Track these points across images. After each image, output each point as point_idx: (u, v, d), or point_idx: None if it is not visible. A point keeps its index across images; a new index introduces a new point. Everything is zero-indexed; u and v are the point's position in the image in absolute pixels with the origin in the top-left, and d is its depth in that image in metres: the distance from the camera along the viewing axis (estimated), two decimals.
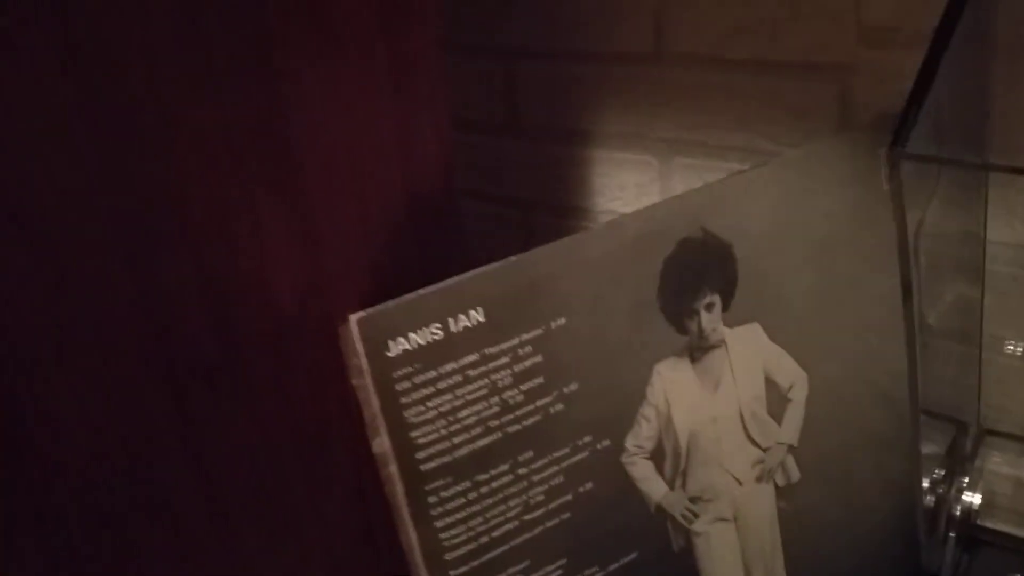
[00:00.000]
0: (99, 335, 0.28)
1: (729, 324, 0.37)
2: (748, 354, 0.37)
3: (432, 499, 0.32)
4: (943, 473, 0.38)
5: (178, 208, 0.30)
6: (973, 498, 0.39)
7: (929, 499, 0.38)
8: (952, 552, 0.39)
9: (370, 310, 0.30)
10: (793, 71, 0.44)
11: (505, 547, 0.33)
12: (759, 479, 0.38)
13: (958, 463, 0.39)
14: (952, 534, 0.38)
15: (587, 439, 0.34)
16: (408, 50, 0.35)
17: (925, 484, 0.38)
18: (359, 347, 0.30)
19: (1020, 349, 0.41)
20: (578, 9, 0.48)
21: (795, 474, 0.39)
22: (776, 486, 0.39)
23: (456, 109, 0.40)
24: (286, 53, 0.31)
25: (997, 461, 0.42)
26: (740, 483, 0.38)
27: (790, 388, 0.39)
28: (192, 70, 0.29)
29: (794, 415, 0.39)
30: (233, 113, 0.30)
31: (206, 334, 0.31)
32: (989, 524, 0.43)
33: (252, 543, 0.34)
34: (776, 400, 0.38)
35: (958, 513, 0.38)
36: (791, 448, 0.39)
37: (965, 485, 0.39)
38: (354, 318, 0.30)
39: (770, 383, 0.38)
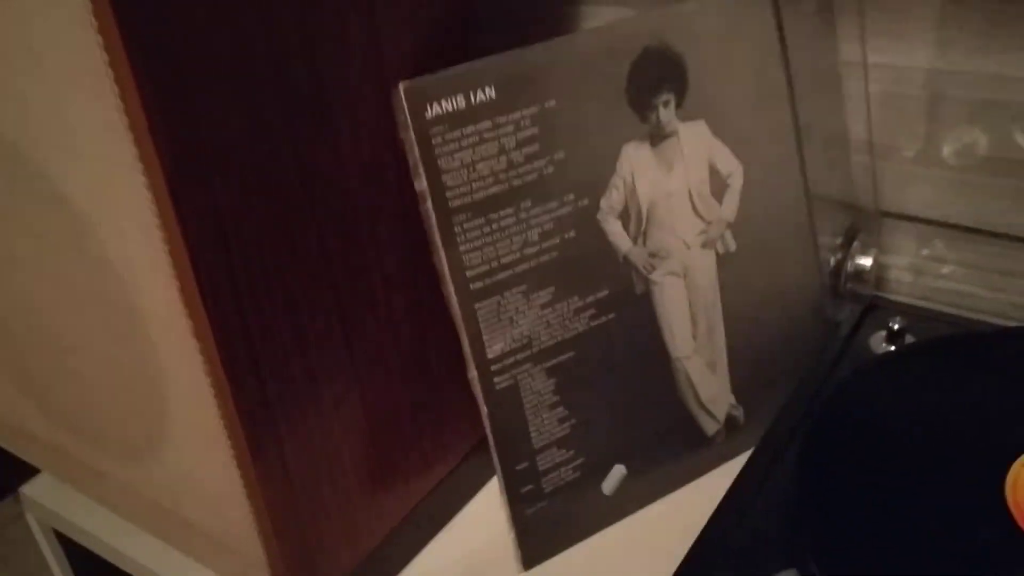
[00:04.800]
0: None
1: (681, 119, 0.48)
2: (695, 144, 0.49)
3: (457, 229, 0.43)
4: (841, 242, 0.49)
5: None
6: (865, 261, 0.51)
7: (832, 264, 0.49)
8: (848, 307, 0.51)
9: (414, 80, 0.41)
10: None
11: (510, 272, 0.45)
12: (703, 245, 0.50)
13: (856, 236, 0.50)
14: (849, 286, 0.50)
15: (571, 197, 0.45)
16: None
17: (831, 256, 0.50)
18: (405, 107, 0.41)
19: (910, 154, 0.52)
20: None
21: (732, 245, 0.51)
22: (717, 253, 0.51)
23: None
24: None
25: (895, 239, 0.54)
26: (688, 247, 0.49)
27: (729, 176, 0.50)
28: None
29: (731, 198, 0.50)
30: None
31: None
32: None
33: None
34: (718, 185, 0.50)
35: (852, 273, 0.50)
36: (729, 224, 0.50)
37: (859, 252, 0.50)
38: (402, 86, 0.41)
39: (713, 170, 0.49)
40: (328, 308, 0.43)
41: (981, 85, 0.50)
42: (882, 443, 0.42)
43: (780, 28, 0.47)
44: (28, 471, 0.61)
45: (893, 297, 0.56)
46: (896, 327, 0.49)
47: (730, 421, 0.53)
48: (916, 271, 0.56)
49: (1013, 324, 0.52)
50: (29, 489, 0.62)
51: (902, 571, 0.37)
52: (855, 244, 0.51)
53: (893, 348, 0.49)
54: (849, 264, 0.50)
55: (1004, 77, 0.49)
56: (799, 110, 0.51)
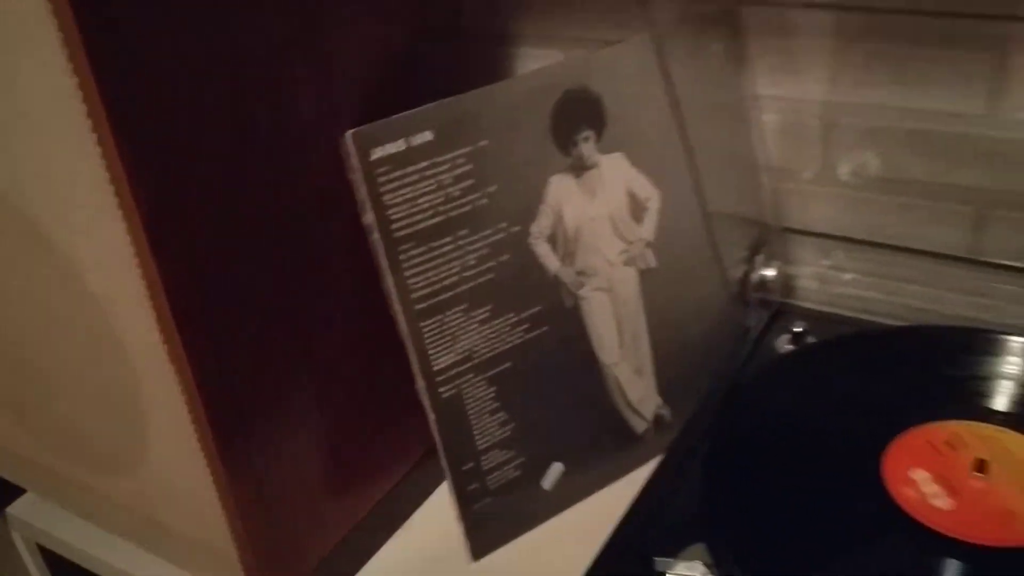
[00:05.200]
0: None
1: (601, 152, 0.54)
2: (614, 174, 0.54)
3: (402, 257, 0.48)
4: (747, 256, 0.56)
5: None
6: (770, 272, 0.57)
7: (740, 275, 0.56)
8: (755, 314, 0.57)
9: (360, 128, 0.46)
10: None
11: (451, 293, 0.50)
12: (626, 263, 0.56)
13: (760, 249, 0.57)
14: (756, 295, 0.56)
15: (504, 224, 0.51)
16: None
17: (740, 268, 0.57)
18: (353, 151, 0.46)
19: (809, 175, 0.59)
20: None
21: (652, 262, 0.57)
22: (639, 270, 0.56)
23: None
24: None
25: (801, 252, 0.61)
26: (612, 264, 0.55)
27: (647, 200, 0.56)
28: None
29: (650, 220, 0.56)
30: None
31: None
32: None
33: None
34: (637, 208, 0.56)
35: (757, 283, 0.56)
36: (648, 243, 0.56)
37: (763, 264, 0.57)
38: (350, 133, 0.46)
39: (632, 196, 0.55)
40: (291, 330, 0.49)
41: (868, 114, 0.57)
42: (779, 432, 0.48)
43: (665, 73, 0.52)
44: (13, 492, 0.66)
45: (802, 304, 0.63)
46: (798, 330, 0.55)
47: (658, 420, 0.59)
48: (821, 280, 0.62)
49: (902, 324, 0.58)
50: (15, 509, 0.66)
51: (797, 541, 0.43)
52: (759, 257, 0.57)
53: (793, 348, 0.55)
54: (754, 275, 0.56)
55: (886, 107, 0.56)
56: (713, 138, 0.57)
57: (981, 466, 0.43)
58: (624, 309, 0.56)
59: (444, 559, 0.55)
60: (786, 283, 0.61)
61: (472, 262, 0.51)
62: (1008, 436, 0.45)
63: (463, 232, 0.50)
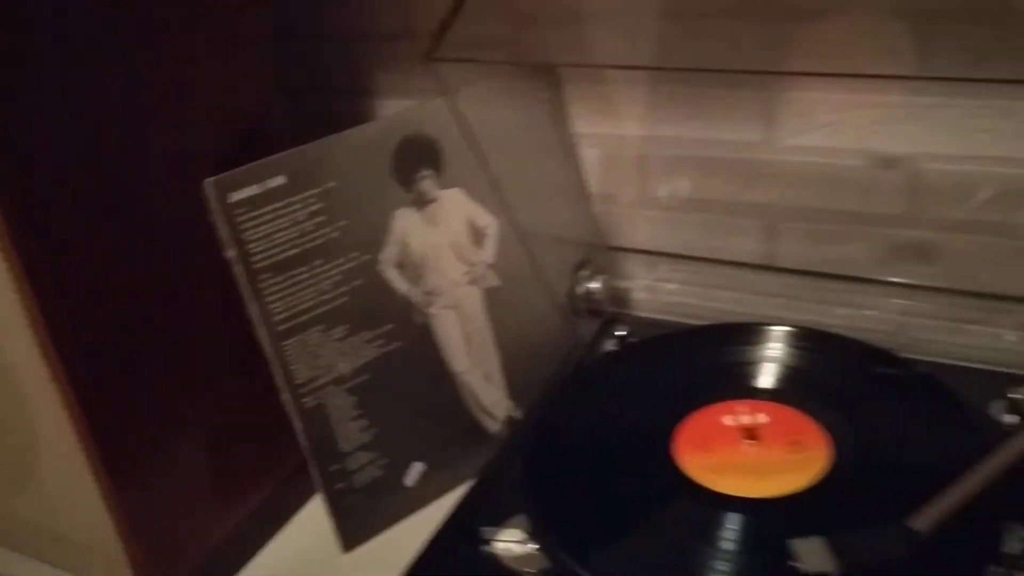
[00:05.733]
0: None
1: (441, 187, 0.62)
2: (454, 206, 0.63)
3: (262, 285, 0.56)
4: (574, 271, 0.64)
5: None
6: (595, 285, 0.65)
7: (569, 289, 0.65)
8: (588, 323, 0.66)
9: (218, 176, 0.54)
10: None
11: (308, 315, 0.57)
12: (470, 283, 0.64)
13: (585, 266, 0.65)
14: (585, 305, 0.65)
15: (355, 254, 0.59)
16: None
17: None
18: (212, 196, 0.54)
19: (629, 200, 0.68)
20: None
21: (495, 281, 0.65)
22: (483, 289, 0.64)
23: None
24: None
25: (630, 267, 0.70)
26: (457, 285, 0.63)
27: (486, 227, 0.64)
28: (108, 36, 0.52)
29: (490, 245, 0.64)
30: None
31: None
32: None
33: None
34: (477, 235, 0.64)
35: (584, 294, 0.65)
36: (490, 265, 0.64)
37: (588, 278, 0.65)
38: (208, 181, 0.53)
39: (472, 224, 0.63)
40: (167, 349, 0.55)
41: (673, 146, 0.66)
42: (590, 419, 0.56)
43: (460, 117, 0.60)
44: None
45: (637, 313, 0.71)
46: (621, 334, 0.64)
47: (510, 421, 0.66)
48: (650, 291, 0.71)
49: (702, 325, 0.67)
50: None
51: (601, 509, 0.50)
52: (584, 272, 0.65)
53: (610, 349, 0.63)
54: (580, 288, 0.65)
55: (687, 139, 0.65)
56: (544, 171, 0.66)
57: (751, 433, 0.52)
58: (471, 324, 0.64)
59: (322, 552, 0.61)
60: (620, 295, 0.70)
61: (327, 287, 0.58)
62: (774, 407, 0.54)
63: (318, 262, 0.58)
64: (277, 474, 0.64)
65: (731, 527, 0.47)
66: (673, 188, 0.67)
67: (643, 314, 0.71)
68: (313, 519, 0.64)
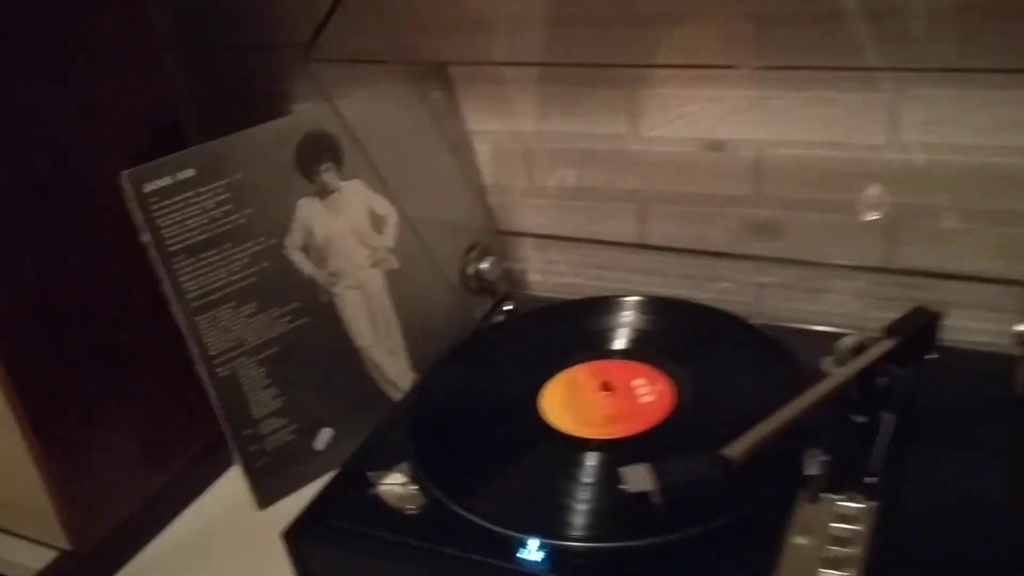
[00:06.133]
0: None
1: (342, 179, 0.69)
2: (354, 196, 0.69)
3: (176, 267, 0.62)
4: (465, 254, 0.72)
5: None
6: (485, 265, 0.72)
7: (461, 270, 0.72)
8: (483, 300, 0.73)
9: (132, 169, 0.60)
10: None
11: (220, 294, 0.64)
12: (372, 265, 0.71)
13: (475, 248, 0.73)
14: (477, 284, 0.72)
15: (262, 238, 0.66)
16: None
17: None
18: (128, 187, 0.60)
19: (520, 189, 0.75)
20: None
21: (395, 264, 0.72)
22: (384, 271, 0.71)
23: None
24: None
25: (524, 250, 0.77)
26: (360, 267, 0.70)
27: (385, 215, 0.71)
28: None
29: (390, 231, 0.71)
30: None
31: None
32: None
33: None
34: (378, 222, 0.71)
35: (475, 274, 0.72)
36: (390, 249, 0.71)
37: (478, 260, 0.73)
38: (124, 173, 0.60)
39: (373, 212, 0.70)
40: (95, 332, 0.62)
41: (553, 140, 0.73)
42: (469, 380, 0.63)
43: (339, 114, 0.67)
44: None
45: (534, 292, 0.78)
46: (508, 308, 0.71)
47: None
48: (543, 272, 0.78)
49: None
50: None
51: (475, 456, 0.57)
52: (473, 254, 0.72)
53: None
54: (471, 268, 0.72)
55: (564, 133, 0.73)
56: (439, 164, 0.73)
57: (606, 386, 0.59)
58: (374, 302, 0.71)
59: (241, 509, 0.68)
60: (517, 276, 0.77)
61: (237, 269, 0.65)
62: (625, 364, 0.61)
63: (227, 245, 0.64)
64: (201, 440, 0.71)
65: (588, 464, 0.54)
66: (558, 178, 0.75)
67: (538, 293, 0.78)
68: (234, 482, 0.71)
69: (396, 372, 0.72)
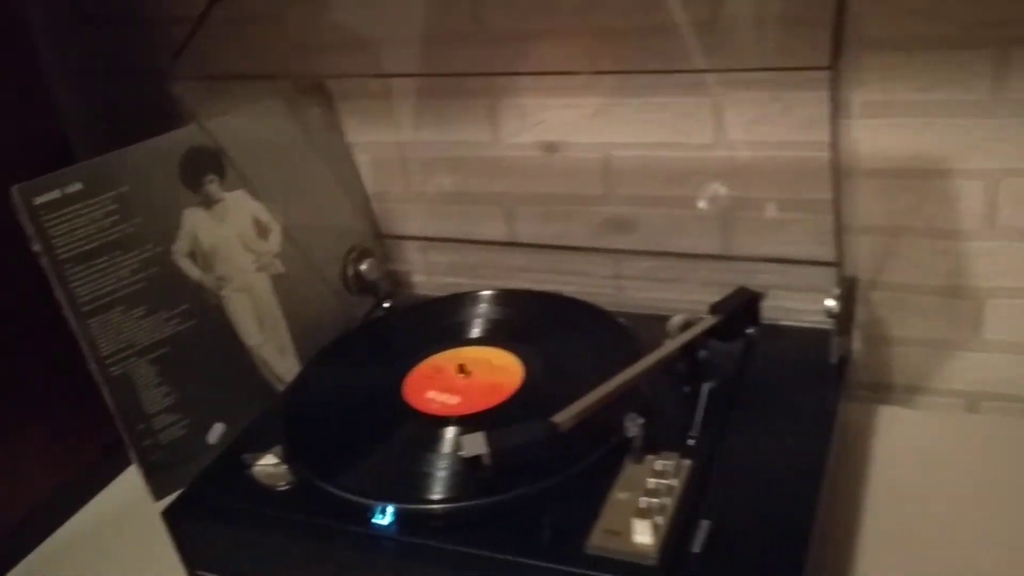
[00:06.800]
0: None
1: (226, 190, 0.74)
2: (239, 205, 0.75)
3: (67, 273, 0.67)
4: (346, 256, 0.77)
5: None
6: (364, 267, 0.78)
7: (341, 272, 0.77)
8: (365, 301, 0.79)
9: (23, 184, 0.65)
10: None
11: (110, 298, 0.69)
12: (258, 270, 0.76)
13: (353, 251, 0.78)
14: (358, 285, 0.78)
15: (150, 246, 0.71)
16: None
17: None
18: (18, 201, 0.65)
19: (399, 195, 0.81)
20: None
21: (281, 268, 0.77)
22: (271, 275, 0.77)
23: None
24: None
25: (408, 253, 0.82)
26: (246, 272, 0.75)
27: (269, 223, 0.76)
28: None
29: (274, 238, 0.77)
30: None
31: None
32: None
33: None
34: (263, 230, 0.76)
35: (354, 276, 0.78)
36: (276, 254, 0.77)
37: (357, 262, 0.78)
38: (15, 187, 0.65)
39: (257, 220, 0.76)
40: None
41: (426, 149, 0.79)
42: (341, 371, 0.69)
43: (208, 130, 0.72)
44: None
45: (419, 292, 0.84)
46: (387, 305, 0.77)
47: None
48: (426, 272, 0.84)
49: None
50: None
51: (344, 440, 0.62)
52: (352, 256, 0.78)
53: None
54: (351, 270, 0.78)
55: (436, 142, 0.79)
56: (321, 174, 0.78)
57: (462, 368, 0.65)
58: (262, 304, 0.76)
59: (141, 503, 0.72)
60: (402, 277, 0.83)
61: (126, 274, 0.70)
62: (482, 350, 0.67)
63: (117, 253, 0.69)
64: (102, 439, 0.75)
65: (436, 437, 0.60)
66: (434, 184, 0.81)
67: (421, 292, 0.84)
68: (134, 477, 0.75)
69: (285, 369, 0.78)
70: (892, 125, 0.65)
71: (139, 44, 0.86)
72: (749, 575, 0.50)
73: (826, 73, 0.44)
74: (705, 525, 0.52)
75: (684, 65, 0.67)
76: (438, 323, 0.72)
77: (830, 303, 0.63)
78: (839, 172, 0.49)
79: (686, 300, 0.73)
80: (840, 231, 0.54)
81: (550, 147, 0.72)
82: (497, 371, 0.65)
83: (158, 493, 0.72)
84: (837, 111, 0.46)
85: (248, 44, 0.70)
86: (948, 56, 0.61)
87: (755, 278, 0.70)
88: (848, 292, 0.64)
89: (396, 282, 0.83)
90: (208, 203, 0.73)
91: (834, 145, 0.48)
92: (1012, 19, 0.59)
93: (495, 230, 0.80)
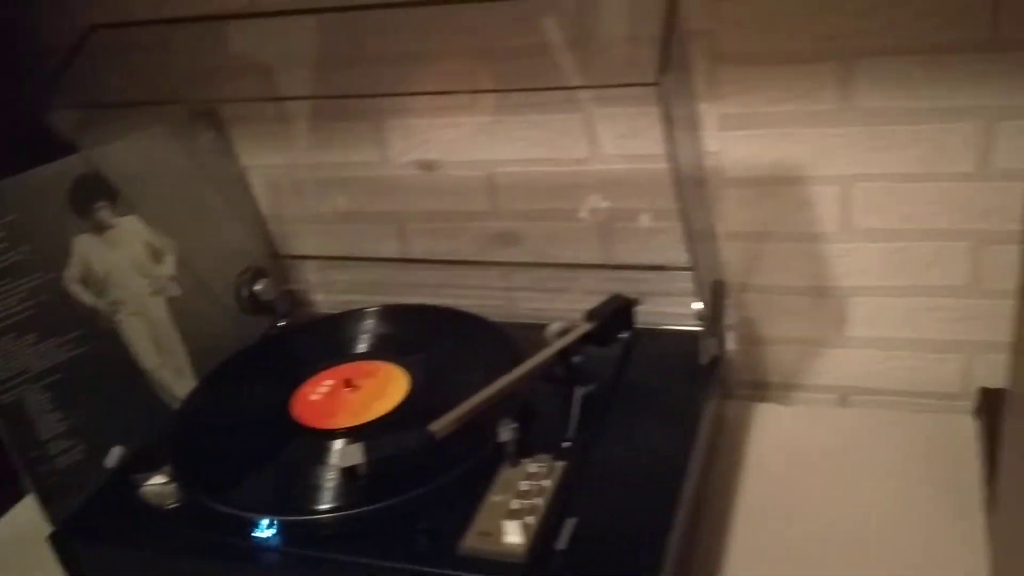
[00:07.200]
0: None
1: (118, 215, 0.75)
2: (131, 231, 0.76)
3: None
4: (240, 276, 0.79)
5: None
6: (259, 287, 0.80)
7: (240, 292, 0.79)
8: (262, 320, 0.80)
9: None
10: None
11: (0, 325, 0.70)
12: (153, 293, 0.77)
13: (248, 272, 0.80)
14: (253, 305, 0.79)
15: (39, 274, 0.71)
16: None
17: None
18: None
19: (294, 215, 0.82)
20: None
21: (177, 291, 0.78)
22: (166, 297, 0.78)
23: None
24: None
25: (306, 272, 0.84)
26: (140, 295, 0.76)
27: (164, 247, 0.78)
28: None
29: (169, 261, 0.78)
30: None
31: None
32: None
33: None
34: (157, 254, 0.77)
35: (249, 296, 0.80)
36: (172, 277, 0.78)
37: (252, 282, 0.80)
38: None
39: (150, 245, 0.77)
40: None
41: (322, 169, 0.81)
42: (231, 389, 0.70)
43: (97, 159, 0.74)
44: None
45: (320, 310, 0.86)
46: (282, 324, 0.78)
47: None
48: (325, 290, 0.85)
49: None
50: None
51: (231, 453, 0.64)
52: (246, 276, 0.79)
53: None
54: (245, 291, 0.79)
55: (325, 163, 0.80)
56: (213, 198, 0.80)
57: (349, 383, 0.67)
58: (158, 327, 0.77)
59: (38, 529, 0.73)
60: (301, 297, 0.85)
61: (15, 302, 0.70)
62: (368, 364, 0.69)
63: (5, 281, 0.70)
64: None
65: (316, 450, 0.61)
66: (328, 204, 0.83)
67: (321, 310, 0.86)
68: (32, 507, 0.76)
69: (183, 390, 0.78)
70: (751, 136, 0.68)
71: (16, 75, 0.87)
72: (610, 568, 0.52)
73: (654, 89, 0.47)
74: (571, 523, 0.54)
75: (558, 81, 0.69)
76: (328, 340, 0.74)
77: (697, 306, 0.67)
78: (681, 182, 0.52)
79: (572, 309, 0.76)
80: (692, 237, 0.57)
81: (429, 165, 0.75)
82: (383, 383, 0.67)
83: (56, 520, 0.73)
84: (669, 124, 0.49)
85: (135, 71, 0.71)
86: (797, 70, 0.65)
87: (636, 285, 0.73)
88: (715, 295, 0.67)
89: (296, 301, 0.84)
90: (100, 229, 0.74)
91: (672, 156, 0.51)
92: (850, 32, 0.63)
93: (389, 247, 0.82)
